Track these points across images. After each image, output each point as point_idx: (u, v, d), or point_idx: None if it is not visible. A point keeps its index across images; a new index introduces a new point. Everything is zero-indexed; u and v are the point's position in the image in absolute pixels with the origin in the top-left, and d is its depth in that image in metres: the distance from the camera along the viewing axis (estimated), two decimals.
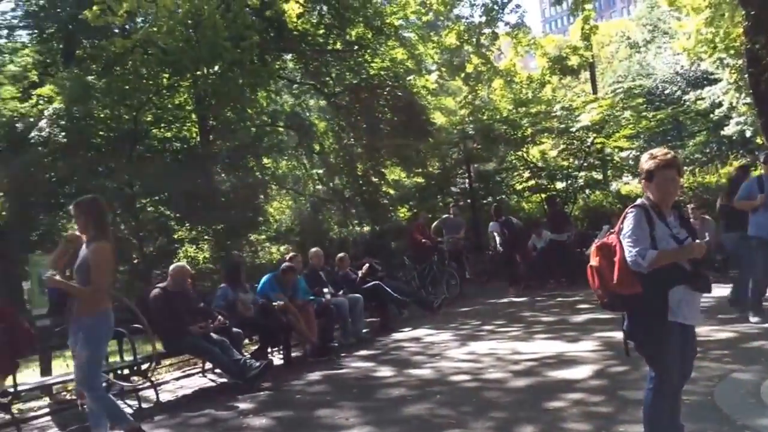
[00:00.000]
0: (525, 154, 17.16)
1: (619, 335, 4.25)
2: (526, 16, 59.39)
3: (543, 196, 16.77)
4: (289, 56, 18.11)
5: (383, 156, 18.27)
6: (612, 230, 3.66)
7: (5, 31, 18.16)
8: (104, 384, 5.62)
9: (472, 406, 5.47)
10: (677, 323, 3.43)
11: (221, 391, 7.34)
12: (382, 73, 17.91)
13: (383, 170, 18.79)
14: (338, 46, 17.76)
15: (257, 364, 7.23)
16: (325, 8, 17.32)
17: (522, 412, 5.10)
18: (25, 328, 6.20)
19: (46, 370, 7.49)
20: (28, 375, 7.70)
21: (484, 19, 16.08)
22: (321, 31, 17.34)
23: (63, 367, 7.76)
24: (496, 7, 15.96)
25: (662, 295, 3.39)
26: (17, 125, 14.04)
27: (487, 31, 16.33)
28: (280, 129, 18.82)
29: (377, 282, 10.82)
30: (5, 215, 14.15)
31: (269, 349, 8.79)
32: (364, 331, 10.02)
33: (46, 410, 6.98)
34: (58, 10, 16.53)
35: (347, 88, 17.89)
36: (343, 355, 8.59)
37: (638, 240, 3.38)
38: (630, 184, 17.27)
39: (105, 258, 4.98)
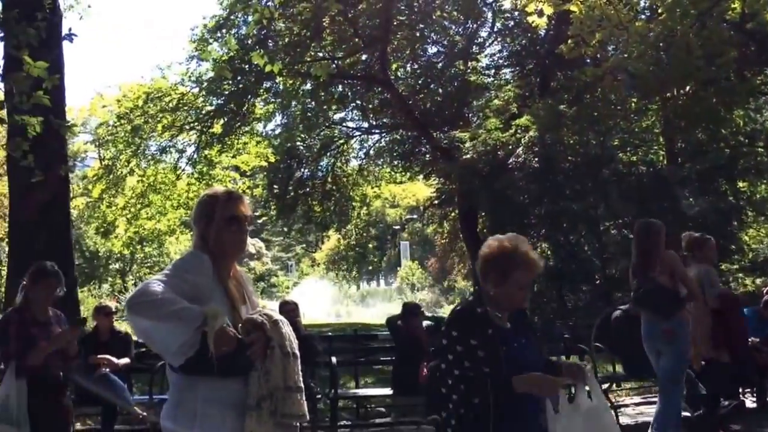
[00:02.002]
0: None
1: None
2: None
3: None
4: None
5: None
6: None
7: (492, 71, 20.71)
8: None
9: None
10: None
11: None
12: None
13: None
14: None
15: (727, 403, 6.81)
16: None
17: None
18: None
19: None
20: None
21: None
22: None
23: None
24: None
25: None
26: (498, 152, 15.81)
27: None
28: (760, 149, 17.08)
29: None
30: (486, 232, 16.05)
31: (740, 389, 8.13)
32: None
33: None
34: (537, 47, 18.19)
35: None
36: None
37: None
38: None
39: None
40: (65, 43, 10.62)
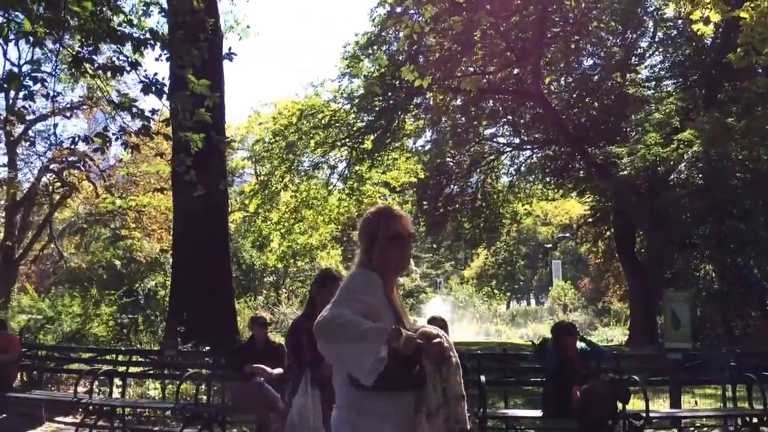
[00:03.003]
0: None
1: None
2: None
3: None
4: None
5: None
6: None
7: (653, 83, 19.67)
8: None
9: None
10: None
11: None
12: None
13: None
14: None
15: None
16: None
17: None
18: None
19: (675, 403, 7.73)
20: (659, 404, 8.08)
21: None
22: None
23: (691, 402, 7.90)
24: None
25: None
26: (658, 168, 14.96)
27: None
28: None
29: None
30: (644, 252, 15.20)
31: None
32: None
33: None
34: (702, 57, 17.04)
35: None
36: None
37: None
38: None
39: None
40: (225, 63, 11.37)
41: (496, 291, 36.66)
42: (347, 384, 2.60)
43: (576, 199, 27.16)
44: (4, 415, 8.54)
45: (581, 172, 21.14)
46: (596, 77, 19.68)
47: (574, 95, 20.36)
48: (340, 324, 2.43)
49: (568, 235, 39.21)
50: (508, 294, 41.24)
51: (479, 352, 10.96)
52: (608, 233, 22.91)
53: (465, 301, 34.85)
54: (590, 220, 23.98)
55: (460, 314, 34.35)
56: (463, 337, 25.32)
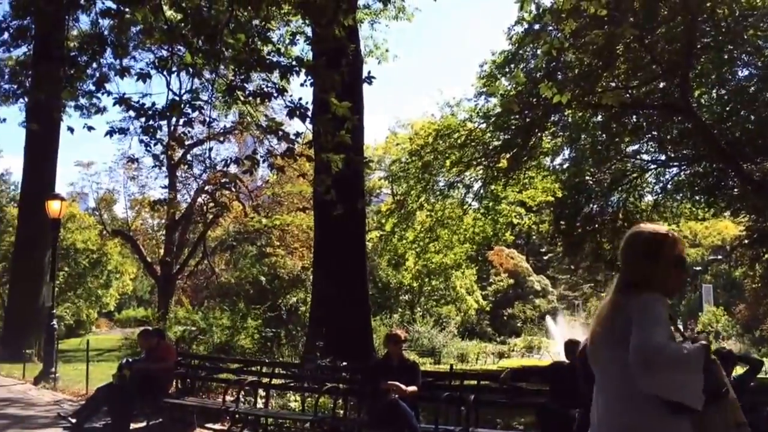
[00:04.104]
0: None
1: None
2: None
3: None
4: None
5: None
6: None
7: None
8: None
9: None
10: None
11: None
12: None
13: None
14: None
15: None
16: None
17: None
18: None
19: None
20: None
21: None
22: None
23: None
24: None
25: None
26: None
27: None
28: None
29: None
30: None
31: None
32: None
33: None
34: None
35: None
36: None
37: None
38: None
39: None
40: (364, 86, 11.74)
41: None
42: (665, 414, 2.49)
43: (730, 219, 25.57)
44: (160, 420, 9.18)
45: (735, 189, 19.80)
46: (752, 88, 18.34)
47: (728, 108, 19.10)
48: (671, 354, 2.38)
49: (720, 257, 36.89)
50: None
51: None
52: (766, 256, 21.34)
53: None
54: (746, 241, 22.42)
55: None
56: None
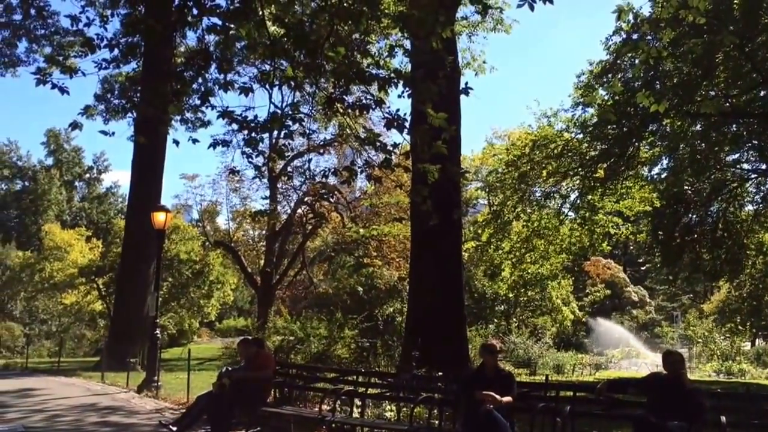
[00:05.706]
0: None
1: None
2: None
3: None
4: None
5: None
6: None
7: None
8: None
9: None
10: None
11: None
12: None
13: None
14: None
15: None
16: None
17: None
18: None
19: None
20: None
21: None
22: None
23: None
24: None
25: None
26: None
27: None
28: None
29: None
30: None
31: None
32: None
33: None
34: None
35: None
36: None
37: None
38: None
39: None
40: (461, 97, 11.71)
41: (740, 327, 33.14)
42: None
43: None
44: (258, 428, 9.32)
45: None
46: None
47: None
48: None
49: None
50: (753, 330, 37.13)
51: (719, 390, 9.94)
52: None
53: (704, 337, 32.03)
54: None
55: (697, 350, 31.67)
56: (701, 375, 23.64)
